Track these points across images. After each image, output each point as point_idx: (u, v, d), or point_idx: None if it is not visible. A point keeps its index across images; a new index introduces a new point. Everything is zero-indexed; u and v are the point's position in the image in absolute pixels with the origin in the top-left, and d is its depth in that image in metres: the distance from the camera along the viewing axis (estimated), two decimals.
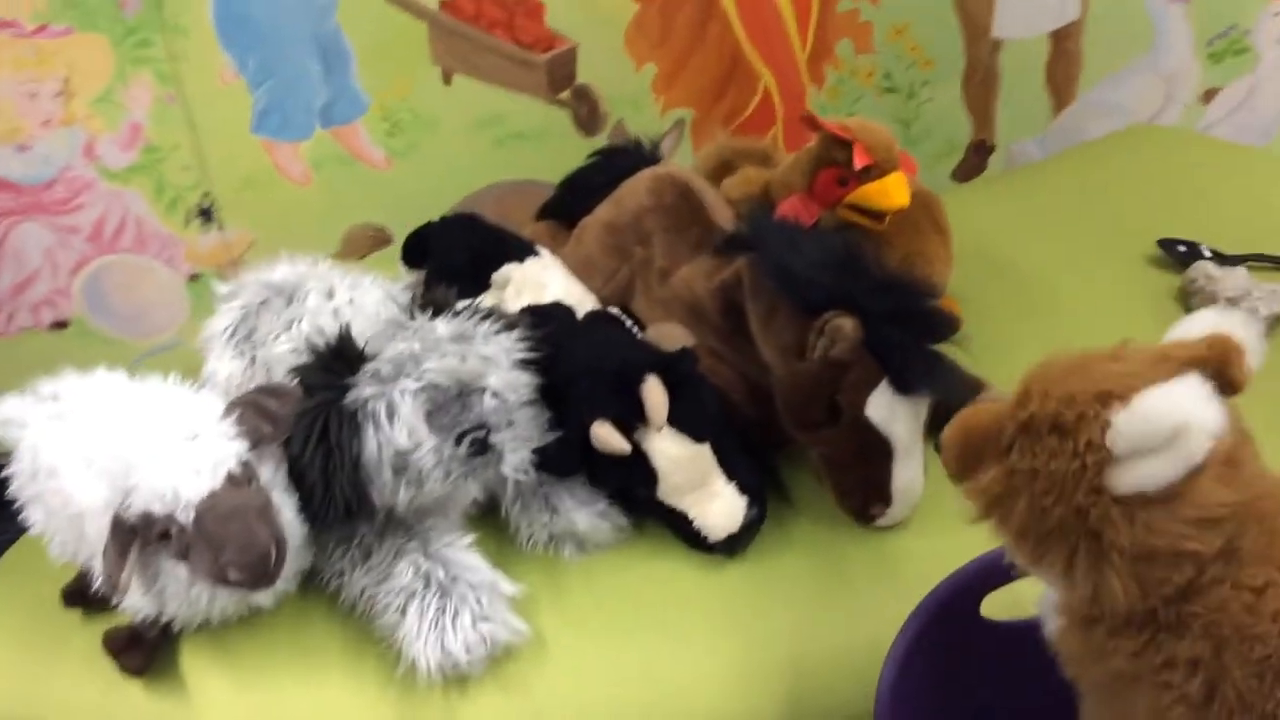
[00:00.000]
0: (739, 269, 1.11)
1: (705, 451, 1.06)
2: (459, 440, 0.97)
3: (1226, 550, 0.63)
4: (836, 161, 1.17)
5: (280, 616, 1.03)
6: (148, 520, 0.89)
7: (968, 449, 0.71)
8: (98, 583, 0.96)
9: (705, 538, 1.06)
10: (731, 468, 1.07)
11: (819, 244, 1.06)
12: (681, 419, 1.05)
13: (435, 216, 1.91)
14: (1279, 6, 2.20)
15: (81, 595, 1.06)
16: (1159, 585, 0.63)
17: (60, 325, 1.85)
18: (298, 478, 0.98)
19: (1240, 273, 1.33)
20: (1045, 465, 0.65)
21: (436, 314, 1.02)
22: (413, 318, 1.02)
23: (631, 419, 1.03)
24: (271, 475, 0.96)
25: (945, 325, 1.02)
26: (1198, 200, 1.60)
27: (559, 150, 1.91)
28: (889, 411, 1.01)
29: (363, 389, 0.96)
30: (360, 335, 1.01)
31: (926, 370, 1.00)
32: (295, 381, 1.01)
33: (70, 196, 1.76)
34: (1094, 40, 2.13)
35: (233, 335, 1.16)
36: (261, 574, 0.90)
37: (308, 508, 0.97)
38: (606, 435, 1.02)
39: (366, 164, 1.86)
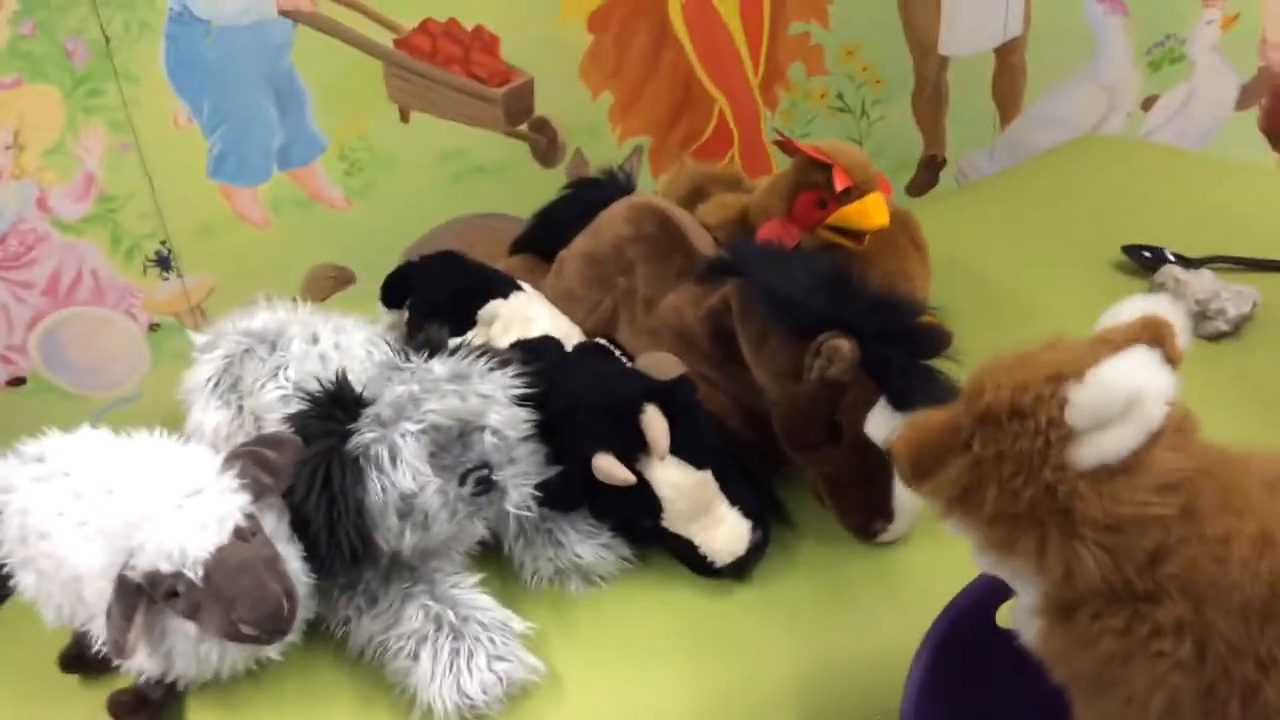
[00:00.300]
0: (726, 295, 1.12)
1: (707, 478, 1.06)
2: (463, 480, 0.96)
3: (1187, 510, 0.64)
4: (815, 184, 1.18)
5: (286, 667, 1.01)
6: (154, 579, 0.87)
7: (921, 454, 0.72)
8: (99, 645, 0.94)
9: (712, 563, 1.06)
10: (733, 493, 1.07)
11: (806, 267, 1.06)
12: (682, 447, 1.04)
13: (396, 254, 1.93)
14: (1212, 15, 2.26)
15: (80, 659, 1.04)
16: (1128, 553, 0.65)
17: (17, 382, 1.81)
18: (301, 527, 0.97)
19: (1207, 275, 1.36)
20: (1010, 448, 0.66)
21: (431, 355, 1.01)
22: (407, 359, 1.01)
23: (632, 449, 1.03)
24: (274, 527, 0.95)
25: (937, 341, 1.03)
26: (1151, 206, 1.64)
27: (519, 183, 1.92)
28: (888, 429, 1.02)
29: (364, 434, 0.95)
30: (355, 380, 1.00)
31: (923, 386, 1.01)
32: (291, 429, 1.00)
33: (24, 251, 1.72)
34: (1037, 54, 2.18)
35: (216, 385, 1.15)
36: (275, 626, 0.88)
37: (313, 557, 0.96)
38: (609, 466, 1.02)
39: (325, 204, 1.84)
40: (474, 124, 1.86)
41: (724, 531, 1.06)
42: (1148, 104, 2.34)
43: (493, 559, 1.09)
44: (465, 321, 1.22)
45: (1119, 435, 0.63)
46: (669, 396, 1.06)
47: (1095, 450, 0.63)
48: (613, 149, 1.96)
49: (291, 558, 0.94)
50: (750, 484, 1.10)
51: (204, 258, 1.82)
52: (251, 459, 0.95)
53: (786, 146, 1.19)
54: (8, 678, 1.08)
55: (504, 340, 1.17)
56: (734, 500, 1.07)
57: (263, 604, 0.87)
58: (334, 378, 0.99)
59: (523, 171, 1.92)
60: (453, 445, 0.96)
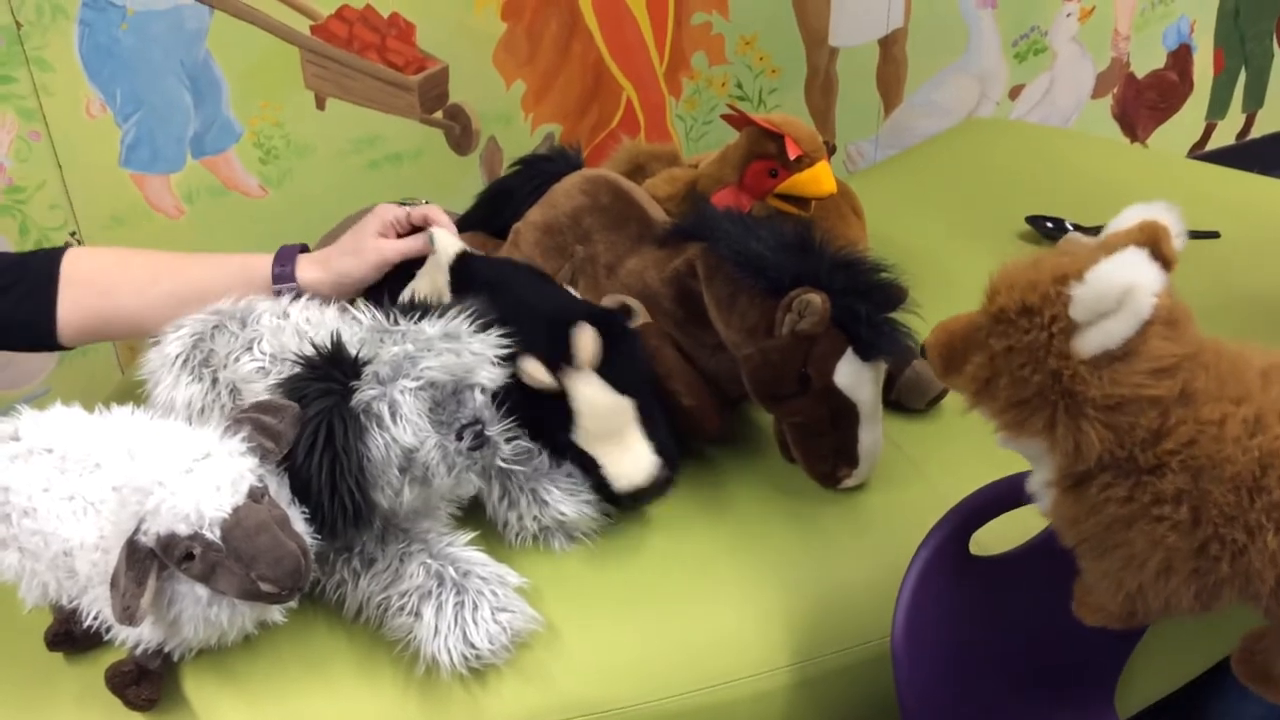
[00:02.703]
0: (691, 258, 1.17)
1: (626, 405, 1.10)
2: (459, 435, 0.99)
3: (1184, 394, 0.74)
4: (767, 154, 1.25)
5: (281, 633, 1.02)
6: (169, 543, 0.87)
7: (948, 351, 0.83)
8: (90, 620, 0.94)
9: (610, 485, 1.10)
10: (653, 430, 1.11)
11: (771, 230, 1.13)
12: (610, 371, 1.08)
13: (311, 242, 1.92)
14: (1071, 8, 2.43)
15: (68, 636, 1.02)
16: (1129, 430, 0.74)
17: None
18: (300, 489, 0.98)
19: None
20: (1020, 341, 0.76)
21: (421, 318, 1.04)
22: (395, 323, 1.03)
23: (559, 360, 1.07)
24: (275, 491, 0.96)
25: (897, 296, 1.10)
26: (1041, 180, 1.77)
27: (434, 169, 1.94)
28: (855, 378, 1.09)
29: (365, 391, 0.97)
30: (349, 343, 1.01)
31: (888, 337, 1.08)
32: (285, 392, 1.00)
33: None
34: (916, 46, 2.30)
35: (186, 361, 1.14)
36: (295, 583, 0.89)
37: (314, 518, 0.97)
38: (533, 370, 1.06)
39: (240, 193, 1.83)
40: (389, 111, 1.88)
41: (629, 460, 1.10)
42: (1015, 92, 2.50)
43: (471, 521, 1.11)
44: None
45: (1116, 323, 0.72)
46: (608, 322, 1.10)
47: (1096, 339, 0.72)
48: (525, 136, 1.99)
49: (295, 520, 0.96)
50: (673, 434, 1.14)
51: None
52: (252, 424, 0.95)
53: (738, 119, 1.25)
54: None
55: (447, 258, 1.21)
56: (651, 436, 1.11)
57: (282, 561, 0.88)
58: (330, 340, 1.00)
59: (437, 158, 1.94)
60: (448, 402, 0.98)
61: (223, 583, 0.89)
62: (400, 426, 0.96)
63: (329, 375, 0.98)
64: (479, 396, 1.01)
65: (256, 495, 0.90)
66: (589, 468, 1.11)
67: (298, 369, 1.01)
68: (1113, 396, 0.73)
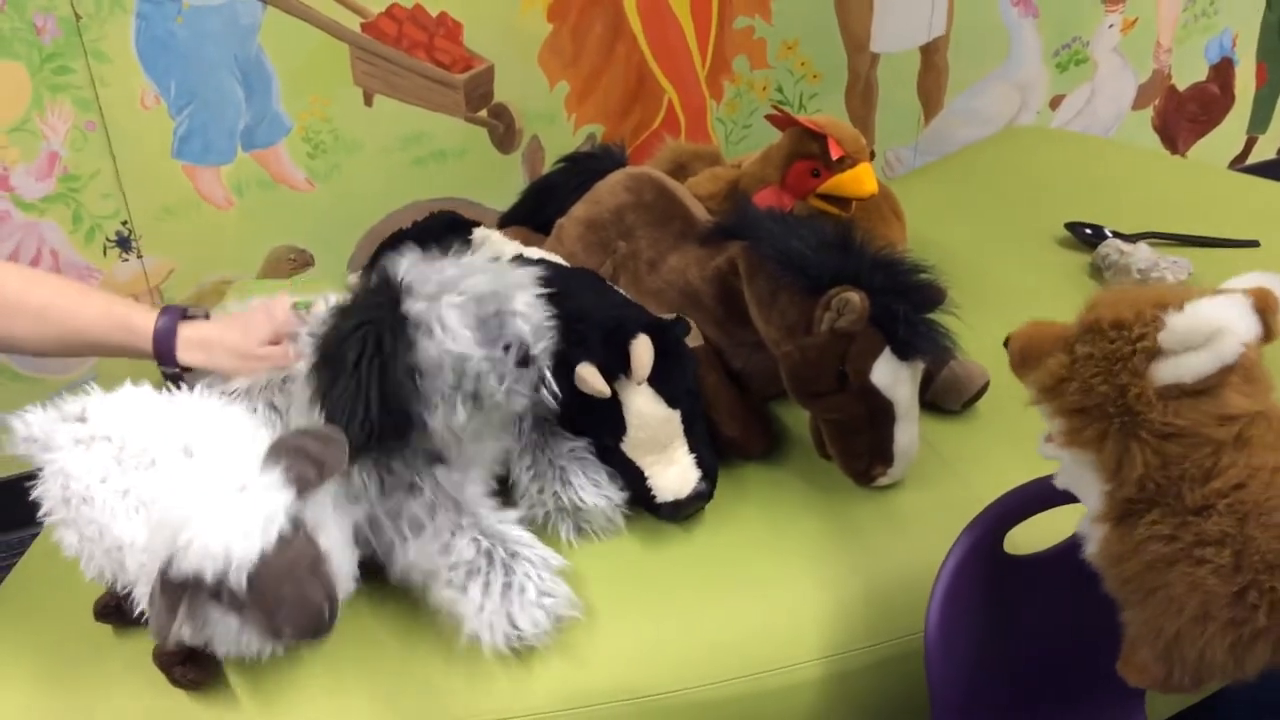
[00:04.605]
0: (733, 256, 1.19)
1: (675, 417, 1.12)
2: (505, 349, 0.99)
3: (1239, 439, 0.75)
4: (809, 154, 1.26)
5: None
6: (198, 580, 0.86)
7: (1029, 347, 0.85)
8: (139, 612, 0.94)
9: (654, 497, 1.12)
10: (695, 442, 1.14)
11: (811, 228, 1.14)
12: (662, 383, 1.11)
13: (356, 237, 1.96)
14: (1113, 19, 2.43)
15: (117, 610, 1.05)
16: (1178, 462, 0.75)
17: None
18: (349, 400, 0.97)
19: (1144, 248, 1.49)
20: (1101, 350, 0.78)
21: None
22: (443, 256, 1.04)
23: (615, 369, 1.09)
24: (314, 521, 0.92)
25: (936, 296, 1.12)
26: (1081, 187, 1.78)
27: (477, 167, 1.97)
28: (892, 377, 1.10)
29: (412, 305, 0.98)
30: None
31: (925, 336, 1.10)
32: (337, 311, 1.02)
33: None
34: (958, 53, 2.31)
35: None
36: (316, 633, 0.89)
37: (363, 428, 0.97)
38: (591, 377, 1.08)
39: (288, 186, 1.86)
40: (435, 109, 1.90)
41: (674, 472, 1.12)
42: (1055, 102, 2.50)
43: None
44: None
45: (1197, 359, 0.73)
46: (663, 332, 1.12)
47: (1174, 369, 0.74)
48: (568, 136, 2.02)
49: (335, 527, 0.94)
50: (713, 445, 1.17)
51: (164, 239, 1.82)
52: (296, 453, 0.91)
53: (782, 119, 1.26)
54: (47, 624, 1.09)
55: (503, 258, 1.21)
56: (693, 449, 1.14)
57: (304, 613, 0.87)
58: (377, 270, 1.02)
59: (481, 156, 1.97)
60: (490, 321, 0.99)
61: (248, 621, 0.89)
62: (449, 336, 0.96)
63: (378, 293, 1.00)
64: (519, 323, 1.00)
65: (288, 537, 0.88)
66: (634, 477, 1.13)
67: (343, 302, 1.03)
68: (1171, 426, 0.75)
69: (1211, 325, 0.73)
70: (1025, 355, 0.85)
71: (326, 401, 0.99)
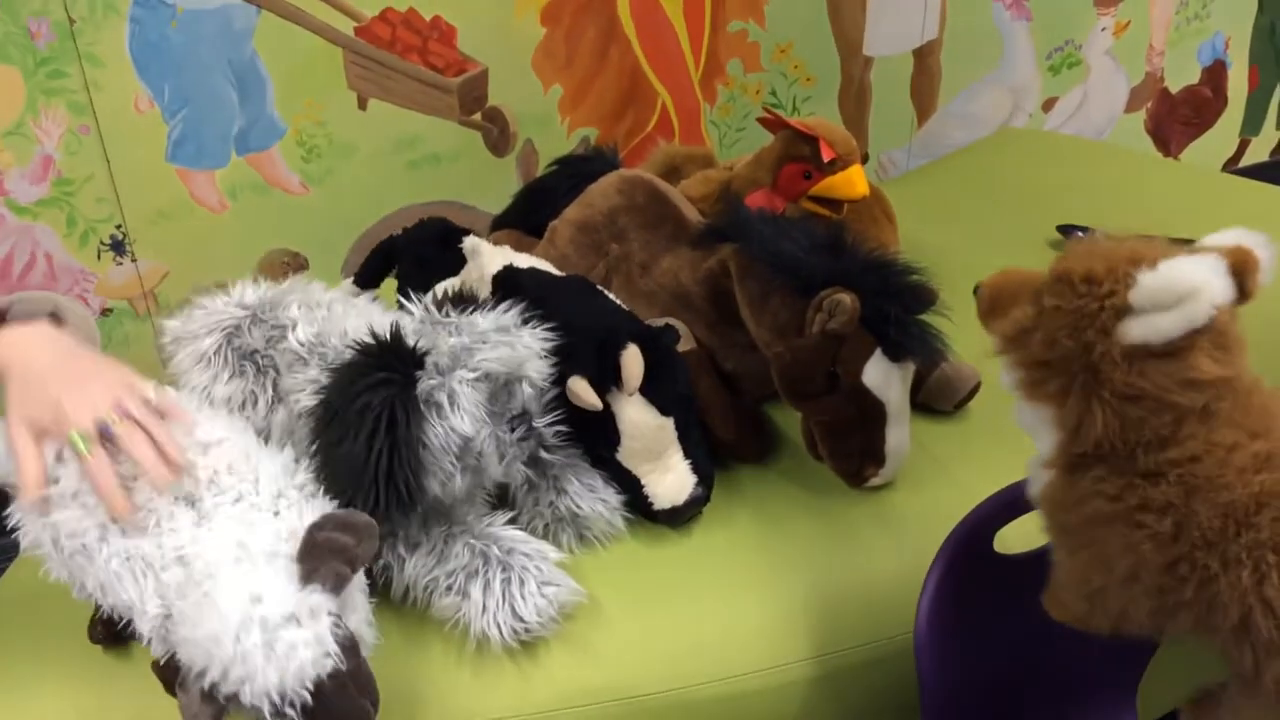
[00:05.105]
0: (724, 258, 1.19)
1: (668, 425, 1.12)
2: (511, 426, 1.02)
3: (1205, 411, 0.73)
4: (801, 156, 1.27)
5: None
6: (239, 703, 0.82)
7: (999, 294, 0.82)
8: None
9: (651, 504, 1.13)
10: (690, 448, 1.14)
11: (803, 230, 1.15)
12: (653, 391, 1.11)
13: (350, 240, 1.96)
14: (1105, 22, 2.44)
15: (109, 631, 1.04)
16: (1137, 426, 0.73)
17: None
18: (354, 474, 0.97)
19: None
20: (1069, 303, 0.74)
21: (470, 310, 1.06)
22: (447, 315, 1.05)
23: (606, 380, 1.09)
24: (342, 603, 0.87)
25: (927, 297, 1.12)
26: (1073, 190, 1.78)
27: (471, 171, 1.97)
28: (883, 378, 1.11)
29: (426, 380, 0.98)
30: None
31: (915, 338, 1.10)
32: (342, 378, 1.01)
33: None
34: (951, 56, 2.32)
35: (221, 354, 1.15)
36: None
37: (365, 502, 0.97)
38: (582, 390, 1.08)
39: (282, 190, 1.87)
40: (429, 112, 1.91)
41: (671, 479, 1.13)
42: (1048, 105, 2.51)
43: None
44: (454, 264, 1.28)
45: (1166, 320, 0.71)
46: (653, 341, 1.12)
47: (1142, 329, 0.71)
48: (562, 140, 2.02)
49: (359, 598, 0.92)
50: (707, 449, 1.16)
51: (158, 243, 1.83)
52: (328, 553, 0.87)
53: (773, 122, 1.27)
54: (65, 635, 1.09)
55: (492, 268, 1.23)
56: (688, 455, 1.14)
57: None
58: (389, 330, 1.02)
59: (475, 160, 1.98)
60: (500, 394, 1.02)
61: None
62: (458, 416, 0.98)
63: (390, 364, 1.00)
64: (527, 390, 1.04)
65: (338, 664, 0.83)
66: (630, 486, 1.13)
67: (353, 356, 1.03)
68: (1134, 388, 0.72)
69: (1184, 286, 0.70)
70: (994, 303, 0.82)
71: (329, 464, 0.98)
